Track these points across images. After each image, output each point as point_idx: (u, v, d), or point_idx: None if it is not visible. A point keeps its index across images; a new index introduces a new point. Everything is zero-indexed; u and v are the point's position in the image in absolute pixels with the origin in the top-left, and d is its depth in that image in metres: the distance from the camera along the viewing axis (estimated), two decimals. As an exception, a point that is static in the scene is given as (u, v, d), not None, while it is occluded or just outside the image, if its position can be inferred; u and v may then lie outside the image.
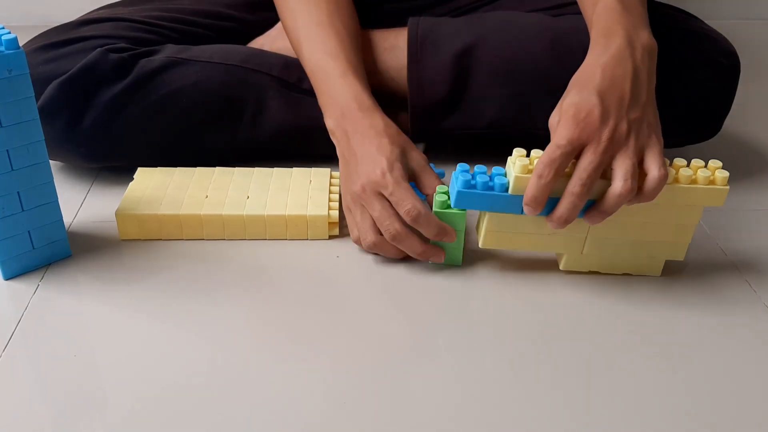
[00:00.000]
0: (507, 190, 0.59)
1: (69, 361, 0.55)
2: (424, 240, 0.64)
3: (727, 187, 0.60)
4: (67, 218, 0.73)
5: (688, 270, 0.67)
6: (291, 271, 0.66)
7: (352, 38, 0.75)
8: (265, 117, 0.79)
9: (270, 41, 0.86)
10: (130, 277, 0.65)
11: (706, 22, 0.82)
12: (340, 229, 0.71)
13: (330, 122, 0.70)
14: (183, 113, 0.76)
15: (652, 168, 0.56)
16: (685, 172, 0.59)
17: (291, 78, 0.80)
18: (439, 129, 0.80)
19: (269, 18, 0.87)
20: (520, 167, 0.58)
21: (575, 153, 0.56)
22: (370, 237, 0.64)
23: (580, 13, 0.73)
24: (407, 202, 0.62)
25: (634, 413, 0.51)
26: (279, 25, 0.87)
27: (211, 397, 0.52)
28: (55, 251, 0.66)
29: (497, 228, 0.63)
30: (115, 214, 0.68)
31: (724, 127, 0.82)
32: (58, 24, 0.83)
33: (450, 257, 0.66)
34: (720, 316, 0.61)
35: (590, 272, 0.66)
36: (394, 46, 0.81)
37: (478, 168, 0.61)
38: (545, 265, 0.67)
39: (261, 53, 0.81)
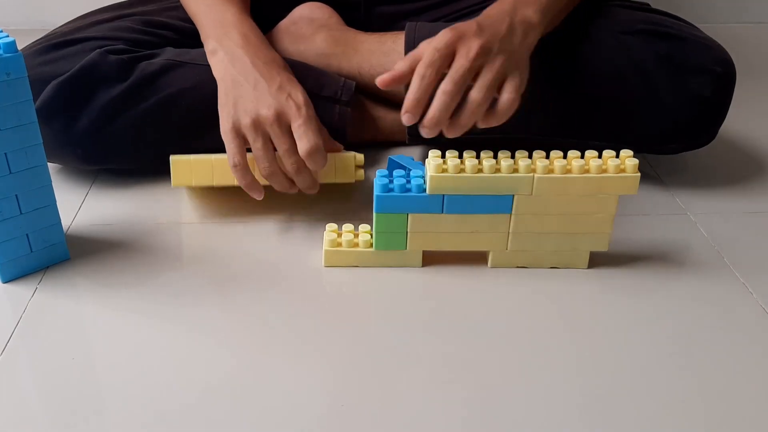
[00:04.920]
0: (425, 190, 0.62)
1: (67, 364, 0.55)
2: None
3: (638, 174, 0.62)
4: (66, 221, 0.73)
5: (686, 273, 0.67)
6: (290, 272, 0.66)
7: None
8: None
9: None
10: (128, 281, 0.65)
11: (699, 26, 0.82)
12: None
13: (213, 43, 0.71)
14: (182, 116, 0.76)
15: (506, 92, 0.62)
16: (594, 162, 0.61)
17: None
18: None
19: (267, 21, 0.87)
20: (435, 167, 0.61)
21: (451, 57, 0.61)
22: (273, 166, 0.66)
23: (572, 16, 0.74)
24: (313, 139, 0.64)
25: (631, 413, 0.52)
26: (277, 27, 0.87)
27: (211, 398, 0.52)
28: (53, 254, 0.66)
29: (420, 229, 0.64)
30: (170, 159, 0.71)
31: (721, 129, 0.82)
32: (57, 27, 0.83)
33: (396, 244, 0.66)
34: (717, 319, 0.62)
35: (552, 267, 0.67)
36: (391, 50, 0.81)
37: (397, 172, 0.64)
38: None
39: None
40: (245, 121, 0.66)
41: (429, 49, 0.61)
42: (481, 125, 0.63)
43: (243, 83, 0.67)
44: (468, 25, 0.63)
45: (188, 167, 0.71)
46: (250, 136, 0.66)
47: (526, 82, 0.64)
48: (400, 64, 0.63)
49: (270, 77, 0.67)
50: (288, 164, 0.66)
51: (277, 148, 0.66)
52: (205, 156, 0.72)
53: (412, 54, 0.63)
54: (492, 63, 0.61)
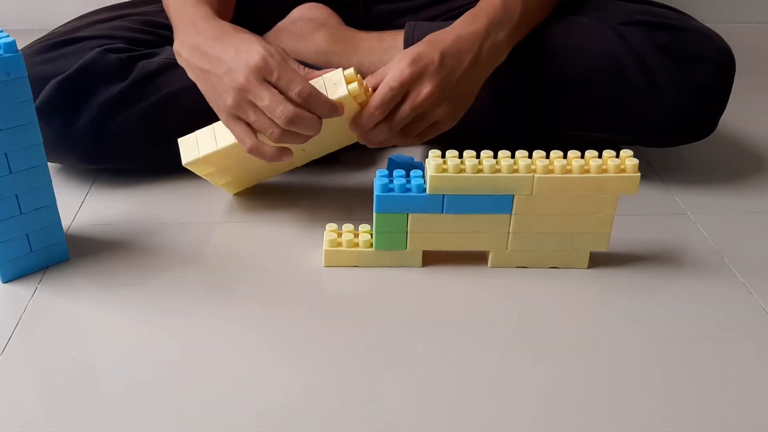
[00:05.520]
0: (425, 190, 0.62)
1: (67, 364, 0.55)
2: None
3: (638, 173, 0.62)
4: (65, 221, 0.73)
5: (685, 273, 0.67)
6: (290, 272, 0.66)
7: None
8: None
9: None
10: (127, 281, 0.65)
11: (700, 25, 0.82)
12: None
13: (177, 43, 0.69)
14: (181, 115, 0.76)
15: (429, 133, 0.69)
16: (595, 162, 0.61)
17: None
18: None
19: (267, 21, 0.87)
20: (435, 167, 0.61)
21: (401, 96, 0.64)
22: (276, 128, 0.62)
23: (567, 14, 0.74)
24: (297, 83, 0.61)
25: (632, 413, 0.52)
26: (276, 27, 0.87)
27: (211, 398, 0.52)
28: (53, 254, 0.66)
29: (420, 229, 0.64)
30: (178, 141, 0.71)
31: (721, 130, 0.83)
32: (56, 27, 0.83)
33: (396, 244, 0.66)
34: (717, 318, 0.62)
35: (552, 268, 0.67)
36: (391, 47, 0.81)
37: (397, 172, 0.64)
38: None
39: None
40: (230, 103, 0.63)
41: (383, 84, 0.64)
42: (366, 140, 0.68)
43: (208, 71, 0.65)
44: (429, 56, 0.65)
45: (193, 140, 0.70)
46: (242, 114, 0.63)
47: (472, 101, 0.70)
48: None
49: (224, 49, 0.64)
50: (278, 118, 0.61)
51: (262, 108, 0.62)
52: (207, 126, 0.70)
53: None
54: (432, 111, 0.66)
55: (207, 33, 0.66)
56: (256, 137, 0.64)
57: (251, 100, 0.62)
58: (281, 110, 0.61)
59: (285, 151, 0.65)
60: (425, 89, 0.64)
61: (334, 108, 0.63)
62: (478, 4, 0.71)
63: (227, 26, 0.67)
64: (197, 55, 0.66)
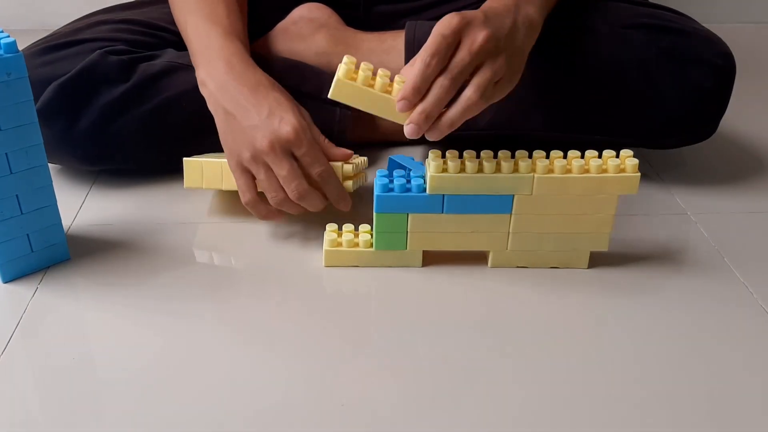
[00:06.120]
0: (425, 190, 0.62)
1: (67, 364, 0.55)
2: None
3: (638, 173, 0.62)
4: (66, 221, 0.73)
5: (686, 273, 0.67)
6: (290, 272, 0.66)
7: (236, 10, 0.75)
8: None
9: (268, 44, 0.86)
10: (128, 281, 0.65)
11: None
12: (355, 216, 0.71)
13: (203, 73, 0.68)
14: (182, 118, 0.76)
15: (497, 94, 0.60)
16: (594, 162, 0.61)
17: (290, 81, 0.80)
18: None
19: (267, 21, 0.87)
20: (435, 167, 0.61)
21: (455, 45, 0.58)
22: (281, 194, 0.65)
23: (569, 16, 0.73)
24: (320, 164, 0.64)
25: (632, 412, 0.52)
26: (277, 27, 0.87)
27: (211, 398, 0.52)
28: (53, 254, 0.66)
29: (421, 229, 0.64)
30: (183, 161, 0.72)
31: (721, 130, 0.83)
32: (57, 28, 0.83)
33: (396, 244, 0.66)
34: (717, 318, 0.62)
35: (552, 268, 0.67)
36: (392, 48, 0.81)
37: (397, 172, 0.64)
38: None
39: (259, 57, 0.82)
40: (245, 156, 0.65)
41: (434, 35, 0.58)
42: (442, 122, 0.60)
43: (233, 116, 0.66)
44: (474, 14, 0.60)
45: (199, 169, 0.72)
46: (253, 169, 0.65)
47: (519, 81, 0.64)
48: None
49: (257, 104, 0.65)
50: (290, 190, 0.64)
51: (278, 176, 0.64)
52: (215, 160, 0.71)
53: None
54: (493, 61, 0.59)
55: (242, 79, 0.67)
56: (257, 193, 0.66)
57: (268, 164, 0.64)
58: (296, 185, 0.64)
59: (278, 215, 0.68)
60: (480, 35, 0.58)
61: (343, 198, 0.67)
62: None
63: (263, 78, 0.68)
64: (226, 95, 0.66)
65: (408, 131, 0.58)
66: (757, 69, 1.20)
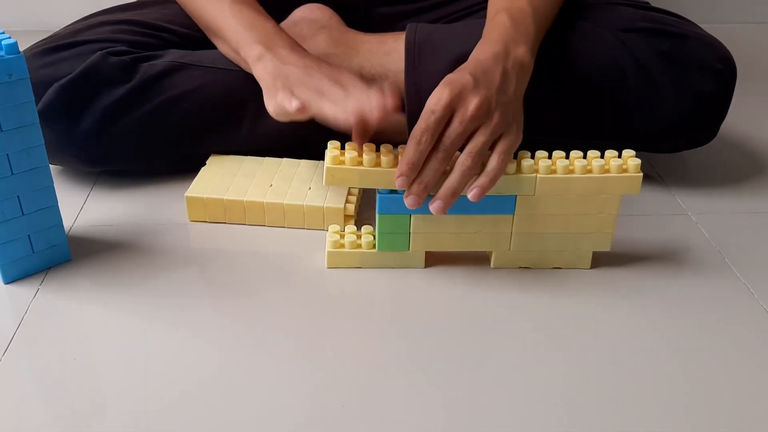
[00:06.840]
0: None
1: (69, 365, 0.55)
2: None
3: (641, 174, 0.62)
4: (67, 222, 0.73)
5: (687, 273, 0.67)
6: (293, 274, 0.66)
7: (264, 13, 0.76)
8: (264, 122, 0.79)
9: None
10: (129, 281, 0.65)
11: (702, 26, 0.82)
12: (357, 222, 0.72)
13: (259, 49, 0.70)
14: (184, 118, 0.76)
15: (497, 153, 0.60)
16: (597, 162, 0.61)
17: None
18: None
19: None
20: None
21: (447, 119, 0.58)
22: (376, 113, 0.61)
23: (569, 19, 0.73)
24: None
25: (633, 412, 0.52)
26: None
27: (212, 400, 0.52)
28: (55, 255, 0.66)
29: (423, 230, 0.64)
30: (185, 197, 0.72)
31: (721, 130, 0.83)
32: (58, 29, 0.83)
33: (398, 245, 0.66)
34: (718, 318, 0.62)
35: (555, 268, 0.67)
36: (392, 50, 0.81)
37: None
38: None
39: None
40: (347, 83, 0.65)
41: (425, 111, 0.58)
42: (470, 196, 0.60)
43: (322, 77, 0.66)
44: (463, 78, 0.59)
45: (202, 205, 0.73)
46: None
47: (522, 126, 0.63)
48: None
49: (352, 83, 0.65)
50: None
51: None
52: (217, 197, 0.72)
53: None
54: (488, 124, 0.59)
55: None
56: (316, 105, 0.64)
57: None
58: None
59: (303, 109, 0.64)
60: (472, 103, 0.58)
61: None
62: (486, 31, 0.67)
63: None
64: (312, 68, 0.68)
65: (409, 203, 0.60)
66: (757, 69, 1.20)
